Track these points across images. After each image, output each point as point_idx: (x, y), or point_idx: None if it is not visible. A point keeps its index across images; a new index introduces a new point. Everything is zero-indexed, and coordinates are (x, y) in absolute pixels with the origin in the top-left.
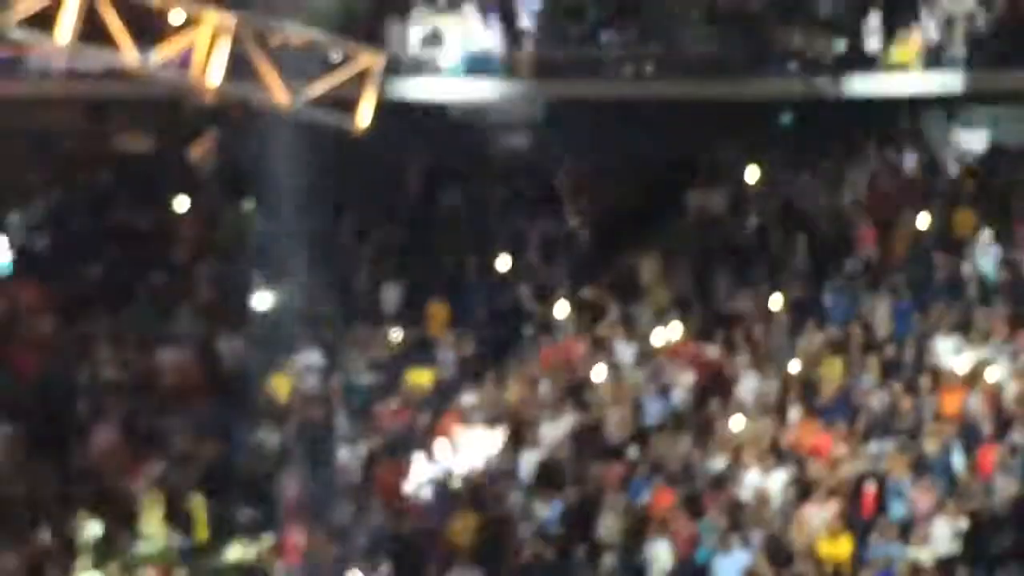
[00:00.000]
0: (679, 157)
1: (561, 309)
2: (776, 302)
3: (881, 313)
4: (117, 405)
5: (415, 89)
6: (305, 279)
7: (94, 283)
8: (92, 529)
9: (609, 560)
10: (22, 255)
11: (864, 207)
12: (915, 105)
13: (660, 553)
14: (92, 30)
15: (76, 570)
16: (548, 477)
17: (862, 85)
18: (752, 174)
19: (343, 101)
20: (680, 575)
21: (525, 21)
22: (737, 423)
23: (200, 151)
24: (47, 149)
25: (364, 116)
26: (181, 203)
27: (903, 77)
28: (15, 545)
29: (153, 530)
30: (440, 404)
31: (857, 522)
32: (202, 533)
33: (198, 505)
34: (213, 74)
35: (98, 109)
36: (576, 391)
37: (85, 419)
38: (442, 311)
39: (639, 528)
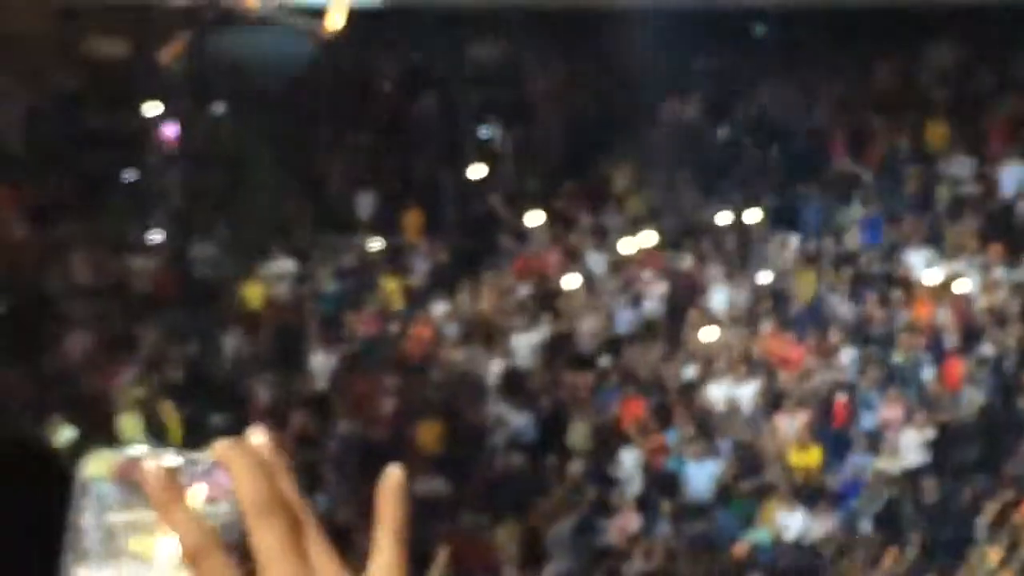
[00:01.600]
0: (653, 67)
1: (534, 218)
2: (748, 213)
3: (853, 225)
4: (90, 310)
5: None
6: (277, 185)
7: (66, 188)
8: (66, 433)
9: (578, 468)
10: None
11: (836, 119)
12: (887, 15)
13: (630, 462)
14: None
15: None
16: (519, 386)
17: None
18: (725, 85)
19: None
20: (650, 484)
21: None
22: (708, 333)
23: (170, 55)
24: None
25: (335, 20)
26: (153, 108)
27: None
28: None
29: (127, 434)
30: (412, 312)
31: (827, 432)
32: (175, 437)
33: (171, 410)
34: None
35: (69, 12)
36: (548, 300)
37: (58, 324)
38: (418, 218)
39: (609, 437)
